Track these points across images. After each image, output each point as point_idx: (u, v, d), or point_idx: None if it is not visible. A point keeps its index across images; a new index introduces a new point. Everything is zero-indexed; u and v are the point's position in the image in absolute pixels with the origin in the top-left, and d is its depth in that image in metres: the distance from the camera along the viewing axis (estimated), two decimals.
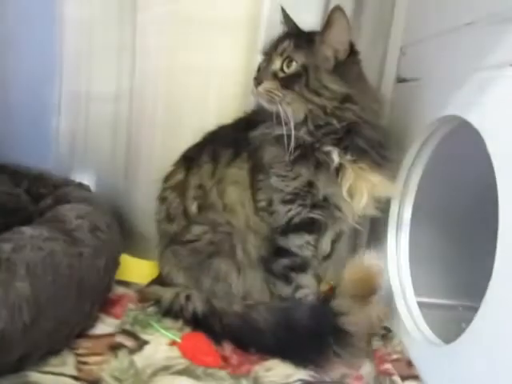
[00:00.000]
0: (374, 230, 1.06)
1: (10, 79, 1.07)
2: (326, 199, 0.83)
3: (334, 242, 0.94)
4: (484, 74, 0.68)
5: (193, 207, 0.88)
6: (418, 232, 0.98)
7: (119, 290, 0.96)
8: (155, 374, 0.71)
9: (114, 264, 0.82)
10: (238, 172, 0.87)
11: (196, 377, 0.72)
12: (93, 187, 1.06)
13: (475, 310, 0.65)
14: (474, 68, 0.70)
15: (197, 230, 0.86)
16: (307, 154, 0.83)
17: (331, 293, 0.81)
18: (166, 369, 0.73)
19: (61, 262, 0.62)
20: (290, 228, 0.85)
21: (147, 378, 0.70)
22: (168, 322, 0.85)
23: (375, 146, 0.84)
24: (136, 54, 1.05)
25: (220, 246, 0.85)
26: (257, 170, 0.87)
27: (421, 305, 0.90)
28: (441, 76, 0.83)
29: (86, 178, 1.09)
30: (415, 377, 0.75)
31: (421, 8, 0.97)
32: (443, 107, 0.79)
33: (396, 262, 0.97)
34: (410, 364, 0.78)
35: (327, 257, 0.95)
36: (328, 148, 0.82)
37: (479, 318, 0.64)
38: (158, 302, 0.88)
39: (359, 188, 0.83)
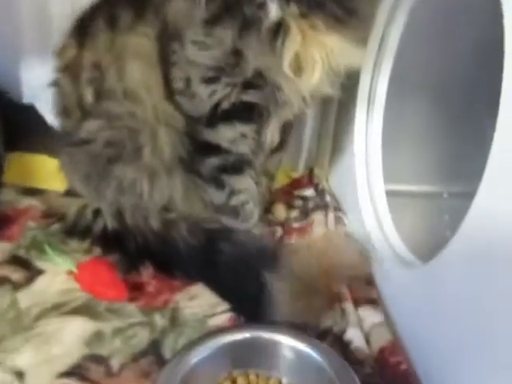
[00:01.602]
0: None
1: None
2: (260, 75, 0.60)
3: (284, 131, 0.73)
4: None
5: (88, 95, 0.65)
6: (396, 109, 0.76)
7: (25, 202, 0.78)
8: (41, 315, 0.57)
9: None
10: (141, 41, 0.63)
11: (95, 315, 0.57)
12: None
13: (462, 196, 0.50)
14: None
15: (90, 125, 0.64)
16: (231, 7, 0.57)
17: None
18: (57, 307, 0.58)
19: None
20: (218, 116, 0.63)
21: (29, 322, 0.56)
22: (74, 243, 0.69)
23: None
24: None
25: (121, 146, 0.64)
26: (167, 36, 0.62)
27: (394, 195, 0.73)
28: None
29: None
30: (373, 300, 0.60)
31: None
32: None
33: (364, 146, 0.77)
34: (368, 282, 0.63)
35: (277, 149, 0.74)
36: None
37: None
38: (63, 217, 0.71)
39: (309, 57, 0.59)
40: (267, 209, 0.80)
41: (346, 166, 0.84)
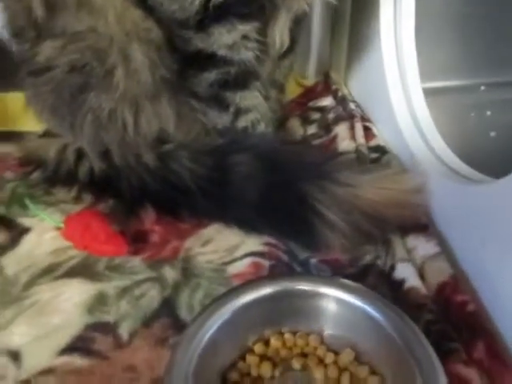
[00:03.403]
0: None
1: None
2: None
3: (294, 29, 0.58)
4: None
5: (37, 7, 0.51)
6: None
7: (0, 149, 0.67)
8: (32, 282, 0.48)
9: None
10: None
11: (94, 275, 0.48)
12: None
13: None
14: None
15: (48, 48, 0.51)
16: None
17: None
18: (49, 271, 0.49)
19: None
20: (211, 15, 0.49)
21: (20, 292, 0.47)
22: (59, 192, 0.58)
23: None
24: None
25: (89, 71, 0.50)
26: None
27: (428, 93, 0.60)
28: None
29: None
30: (423, 227, 0.50)
31: None
32: None
33: (393, 40, 0.63)
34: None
35: (288, 51, 0.60)
36: None
37: None
38: (42, 163, 0.60)
39: None
40: (279, 126, 0.68)
41: (368, 65, 0.70)
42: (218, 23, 0.50)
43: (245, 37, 0.51)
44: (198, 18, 0.49)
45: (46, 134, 0.63)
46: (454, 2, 0.75)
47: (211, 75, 0.53)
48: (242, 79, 0.54)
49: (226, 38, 0.51)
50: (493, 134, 0.70)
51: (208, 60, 0.52)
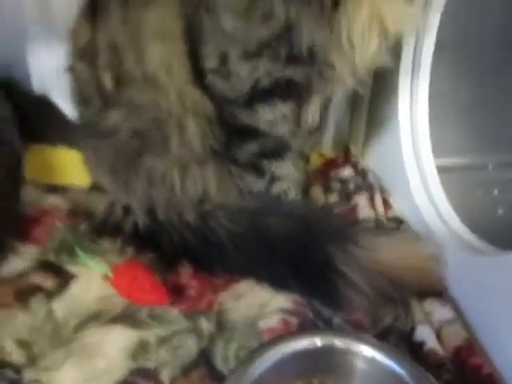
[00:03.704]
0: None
1: None
2: (311, 51, 0.53)
3: (322, 110, 0.66)
4: None
5: (107, 81, 0.59)
6: (438, 78, 0.69)
7: (50, 200, 0.73)
8: (81, 326, 0.52)
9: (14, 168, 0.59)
10: (162, 15, 0.56)
11: (137, 323, 0.53)
12: None
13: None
14: None
15: (113, 116, 0.58)
16: None
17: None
18: (96, 316, 0.53)
19: None
20: (258, 96, 0.57)
21: (69, 335, 0.51)
22: (105, 243, 0.64)
23: None
24: None
25: (148, 137, 0.58)
26: (195, 5, 0.55)
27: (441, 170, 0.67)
28: None
29: None
30: (439, 293, 0.55)
31: None
32: None
33: (409, 119, 0.70)
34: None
35: (316, 128, 0.68)
36: None
37: None
38: (90, 215, 0.66)
39: (372, 26, 0.52)
40: (304, 194, 0.74)
41: (385, 142, 0.78)
42: (263, 103, 0.58)
43: (283, 115, 0.59)
44: (247, 98, 0.57)
45: (94, 188, 0.70)
46: (464, 88, 0.84)
47: (252, 146, 0.60)
48: (278, 150, 0.61)
49: (268, 116, 0.58)
50: (500, 211, 0.76)
51: (251, 133, 0.59)
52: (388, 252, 0.55)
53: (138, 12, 0.56)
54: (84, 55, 0.62)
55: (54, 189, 0.75)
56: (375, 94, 0.83)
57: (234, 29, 0.54)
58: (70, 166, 0.75)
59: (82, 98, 0.64)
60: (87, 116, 0.64)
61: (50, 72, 0.81)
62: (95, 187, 0.68)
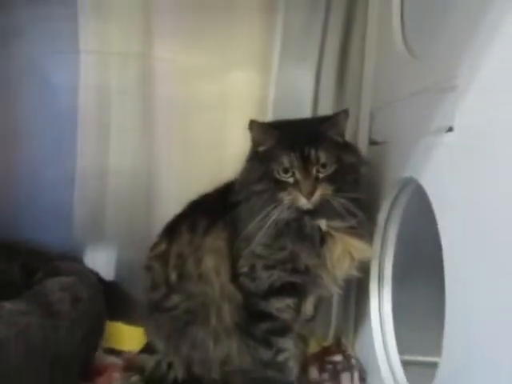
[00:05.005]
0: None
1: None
2: (307, 268, 0.85)
3: (316, 305, 0.95)
4: (428, 138, 0.72)
5: (173, 276, 0.91)
6: (400, 287, 0.98)
7: (109, 359, 0.98)
8: None
9: (96, 334, 0.85)
10: (215, 241, 0.90)
11: None
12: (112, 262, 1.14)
13: None
14: (421, 132, 0.75)
15: (175, 299, 0.89)
16: (290, 226, 0.84)
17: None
18: None
19: (35, 335, 0.66)
20: (272, 292, 0.87)
21: None
22: None
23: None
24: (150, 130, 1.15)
25: (196, 314, 0.87)
26: (236, 237, 0.89)
27: (406, 364, 0.89)
28: (401, 139, 0.87)
29: (105, 253, 1.16)
30: None
31: (383, 76, 1.04)
32: (403, 169, 0.82)
33: (379, 321, 0.97)
34: None
35: (310, 319, 0.96)
36: (319, 220, 0.84)
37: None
38: (142, 370, 0.90)
39: (342, 255, 0.85)
40: (302, 371, 0.97)
41: (367, 336, 1.02)
42: (275, 297, 0.87)
43: (288, 306, 0.87)
44: (265, 293, 0.86)
45: (144, 351, 0.95)
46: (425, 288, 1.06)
47: (265, 325, 0.86)
48: (284, 330, 0.87)
49: (277, 305, 0.86)
50: None
51: (265, 316, 0.87)
52: None
53: (200, 237, 0.91)
54: (160, 259, 0.96)
55: (111, 351, 1.02)
56: (359, 300, 1.11)
57: (261, 252, 0.86)
58: (125, 336, 1.03)
59: (152, 285, 0.96)
60: (154, 298, 0.95)
61: None
62: (145, 350, 0.95)
